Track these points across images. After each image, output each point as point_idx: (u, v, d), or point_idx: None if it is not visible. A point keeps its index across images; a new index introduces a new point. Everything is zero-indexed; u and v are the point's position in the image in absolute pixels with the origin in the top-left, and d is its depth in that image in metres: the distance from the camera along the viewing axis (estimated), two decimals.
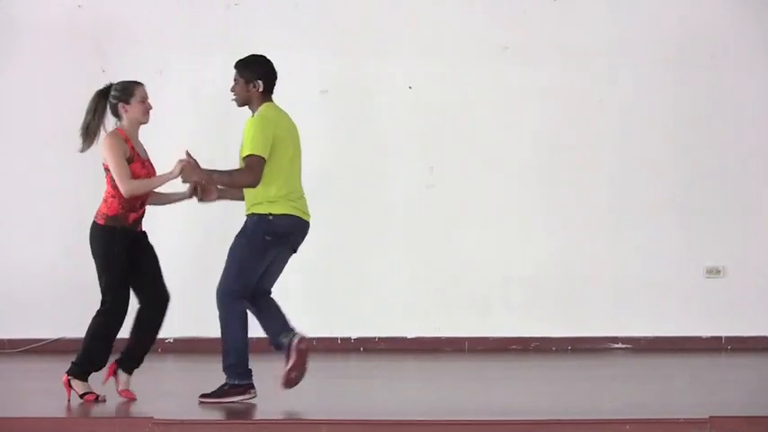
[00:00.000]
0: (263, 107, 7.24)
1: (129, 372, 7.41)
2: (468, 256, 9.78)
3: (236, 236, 7.23)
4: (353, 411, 7.02)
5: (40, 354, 9.72)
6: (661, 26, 9.88)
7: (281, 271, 7.36)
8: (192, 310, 9.84)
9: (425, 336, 9.71)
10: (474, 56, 9.84)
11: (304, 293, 9.66)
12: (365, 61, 9.72)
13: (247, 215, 7.23)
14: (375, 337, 9.58)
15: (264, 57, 7.36)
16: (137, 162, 7.25)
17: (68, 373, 7.36)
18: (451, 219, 9.82)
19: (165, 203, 7.53)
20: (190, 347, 9.81)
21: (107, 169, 7.27)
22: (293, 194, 7.22)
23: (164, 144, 9.87)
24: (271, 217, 7.15)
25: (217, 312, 9.93)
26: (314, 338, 9.73)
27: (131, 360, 7.41)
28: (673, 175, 9.88)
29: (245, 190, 7.21)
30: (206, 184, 7.24)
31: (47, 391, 8.04)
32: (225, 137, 9.92)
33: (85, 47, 9.88)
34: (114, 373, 7.41)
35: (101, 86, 7.35)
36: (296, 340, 7.13)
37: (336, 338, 9.83)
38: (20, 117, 9.95)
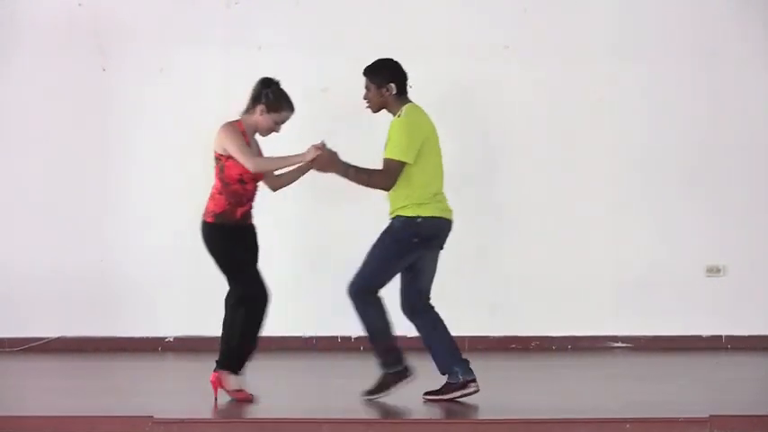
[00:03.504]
0: (407, 109, 7.24)
1: (236, 373, 7.34)
2: (468, 255, 9.77)
3: (381, 234, 7.22)
4: (354, 411, 7.02)
5: (40, 352, 9.71)
6: (661, 24, 9.88)
7: (435, 271, 7.35)
8: (193, 309, 9.86)
9: None
10: (474, 54, 9.83)
11: (303, 292, 9.66)
12: (365, 59, 9.68)
13: (393, 217, 7.22)
14: None
15: (392, 59, 7.39)
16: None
17: (217, 368, 7.31)
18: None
19: (286, 185, 7.45)
20: (190, 346, 9.80)
21: (218, 159, 7.26)
22: (439, 195, 7.25)
23: (162, 143, 9.93)
24: (419, 220, 7.16)
25: (218, 312, 9.96)
26: (314, 337, 9.82)
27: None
28: (673, 173, 9.88)
29: (391, 191, 7.19)
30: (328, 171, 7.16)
31: (47, 389, 8.05)
32: None
33: (86, 45, 9.87)
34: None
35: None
36: (471, 387, 7.16)
37: (336, 337, 9.82)
38: (20, 115, 9.93)
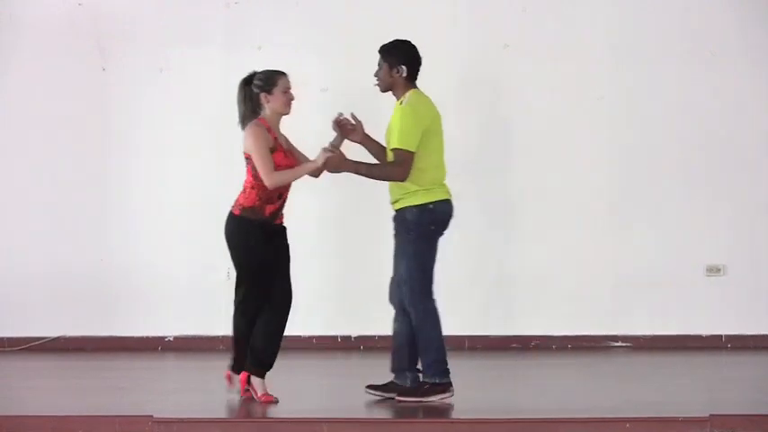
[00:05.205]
0: (411, 95, 7.22)
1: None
2: (469, 255, 9.77)
3: (399, 234, 7.17)
4: (354, 410, 7.02)
5: (39, 352, 9.71)
6: (661, 23, 9.87)
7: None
8: (193, 309, 9.86)
9: None
10: (474, 53, 9.83)
11: (303, 292, 9.64)
12: (365, 59, 9.67)
13: (399, 209, 7.15)
14: (375, 336, 9.57)
15: (409, 42, 7.30)
16: (279, 152, 7.21)
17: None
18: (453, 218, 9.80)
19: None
20: (190, 346, 9.80)
21: (248, 158, 7.22)
22: (443, 179, 7.23)
23: (162, 142, 9.93)
24: (431, 206, 7.12)
25: (218, 311, 9.95)
26: (314, 337, 9.82)
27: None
28: (673, 173, 9.87)
29: (393, 182, 7.14)
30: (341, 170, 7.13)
31: (47, 389, 8.05)
32: (225, 135, 9.94)
33: (86, 45, 9.87)
34: (236, 378, 7.38)
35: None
36: (449, 391, 7.13)
37: (336, 337, 9.82)
38: (20, 115, 9.93)
